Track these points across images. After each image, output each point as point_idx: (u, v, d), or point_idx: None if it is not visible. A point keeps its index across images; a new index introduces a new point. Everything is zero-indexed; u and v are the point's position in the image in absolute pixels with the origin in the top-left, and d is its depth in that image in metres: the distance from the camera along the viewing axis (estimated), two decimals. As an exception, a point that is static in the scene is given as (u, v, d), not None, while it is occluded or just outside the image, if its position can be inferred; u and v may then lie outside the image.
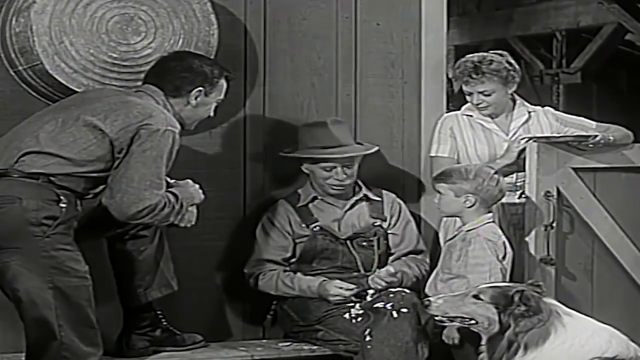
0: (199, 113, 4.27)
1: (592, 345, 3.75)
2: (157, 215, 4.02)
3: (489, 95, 4.91)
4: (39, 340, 3.89)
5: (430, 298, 3.98)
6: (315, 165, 4.69)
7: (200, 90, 4.22)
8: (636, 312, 4.97)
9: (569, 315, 3.81)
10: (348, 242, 4.72)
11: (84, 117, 4.00)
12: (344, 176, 4.68)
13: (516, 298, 3.79)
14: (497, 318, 3.82)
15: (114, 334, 4.44)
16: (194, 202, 4.23)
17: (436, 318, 3.96)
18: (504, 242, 4.42)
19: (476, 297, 3.88)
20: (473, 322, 3.87)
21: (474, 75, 4.88)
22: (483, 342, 3.89)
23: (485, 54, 4.99)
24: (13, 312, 3.98)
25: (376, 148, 4.80)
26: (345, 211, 4.78)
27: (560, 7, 11.50)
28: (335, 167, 4.67)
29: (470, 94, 4.94)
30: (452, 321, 3.93)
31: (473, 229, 4.42)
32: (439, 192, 4.49)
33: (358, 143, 4.82)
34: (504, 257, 4.39)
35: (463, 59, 4.96)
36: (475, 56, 4.96)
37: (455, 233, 4.51)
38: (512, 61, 4.98)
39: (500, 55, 4.97)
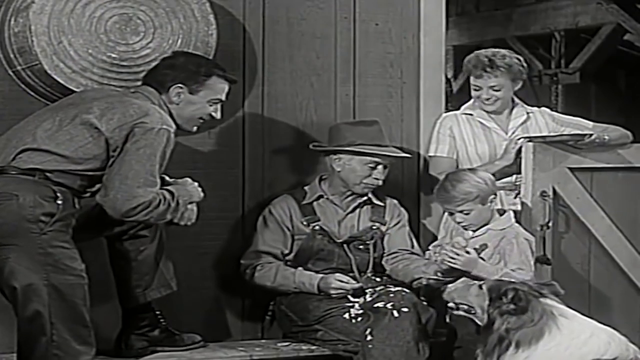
0: (187, 112, 4.24)
1: (590, 346, 3.75)
2: (151, 213, 4.02)
3: (498, 90, 4.92)
4: (29, 337, 3.89)
5: (449, 285, 4.08)
6: (357, 161, 4.66)
7: (180, 88, 4.21)
8: (633, 311, 4.97)
9: (565, 317, 3.81)
10: (345, 244, 4.72)
11: (81, 115, 4.01)
12: (383, 177, 4.70)
13: (509, 295, 3.82)
14: (486, 309, 3.86)
15: (113, 334, 4.44)
16: (192, 200, 4.23)
17: (449, 304, 4.05)
18: (534, 242, 4.54)
19: (480, 287, 3.93)
20: (473, 311, 3.92)
21: (488, 69, 4.89)
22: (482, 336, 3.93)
23: (495, 49, 5.01)
24: (12, 312, 3.98)
25: (410, 156, 4.88)
26: (347, 213, 4.78)
27: (559, 7, 11.50)
28: (379, 165, 4.67)
29: (480, 88, 4.94)
30: (458, 308, 3.98)
31: (506, 227, 4.50)
32: (464, 213, 4.50)
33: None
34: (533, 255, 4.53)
35: (474, 54, 4.99)
36: (488, 51, 4.99)
37: (482, 232, 4.52)
38: (521, 58, 5.01)
39: (509, 51, 5.02)
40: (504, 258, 4.45)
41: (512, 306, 3.79)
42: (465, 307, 3.95)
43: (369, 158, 4.65)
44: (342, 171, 4.70)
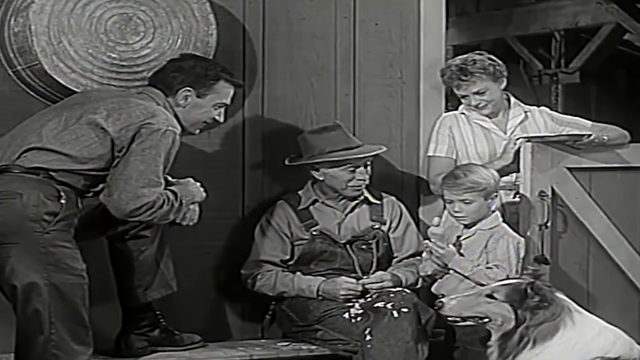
0: (193, 115, 4.25)
1: (596, 344, 3.78)
2: (155, 213, 4.03)
3: (483, 93, 4.93)
4: (27, 335, 3.90)
5: (442, 299, 3.97)
6: (336, 169, 4.67)
7: (189, 91, 4.22)
8: (632, 310, 4.98)
9: (580, 313, 3.85)
10: (347, 245, 4.72)
11: (87, 115, 4.02)
12: (367, 175, 4.69)
13: (529, 290, 3.83)
14: (512, 315, 3.84)
15: (113, 334, 4.44)
16: (194, 201, 4.24)
17: (449, 318, 3.95)
18: (525, 242, 4.53)
19: (490, 296, 3.90)
20: (487, 320, 3.90)
21: (463, 78, 4.90)
22: (493, 339, 3.90)
23: (464, 55, 5.01)
24: (11, 312, 3.98)
25: (385, 149, 4.81)
26: (346, 214, 4.78)
27: (559, 7, 11.48)
28: (358, 167, 4.67)
29: (466, 96, 4.96)
30: (465, 321, 3.94)
31: (494, 227, 4.49)
32: (465, 202, 4.49)
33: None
34: (522, 258, 4.50)
35: (445, 66, 5.00)
36: (456, 59, 4.99)
37: (472, 232, 4.52)
38: (493, 57, 5.00)
39: (480, 54, 5.00)
40: (488, 257, 4.45)
41: (537, 298, 3.80)
42: (475, 318, 3.90)
43: (347, 164, 4.65)
44: (326, 180, 4.70)
